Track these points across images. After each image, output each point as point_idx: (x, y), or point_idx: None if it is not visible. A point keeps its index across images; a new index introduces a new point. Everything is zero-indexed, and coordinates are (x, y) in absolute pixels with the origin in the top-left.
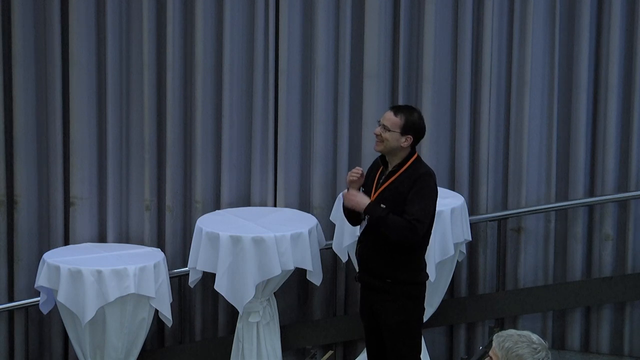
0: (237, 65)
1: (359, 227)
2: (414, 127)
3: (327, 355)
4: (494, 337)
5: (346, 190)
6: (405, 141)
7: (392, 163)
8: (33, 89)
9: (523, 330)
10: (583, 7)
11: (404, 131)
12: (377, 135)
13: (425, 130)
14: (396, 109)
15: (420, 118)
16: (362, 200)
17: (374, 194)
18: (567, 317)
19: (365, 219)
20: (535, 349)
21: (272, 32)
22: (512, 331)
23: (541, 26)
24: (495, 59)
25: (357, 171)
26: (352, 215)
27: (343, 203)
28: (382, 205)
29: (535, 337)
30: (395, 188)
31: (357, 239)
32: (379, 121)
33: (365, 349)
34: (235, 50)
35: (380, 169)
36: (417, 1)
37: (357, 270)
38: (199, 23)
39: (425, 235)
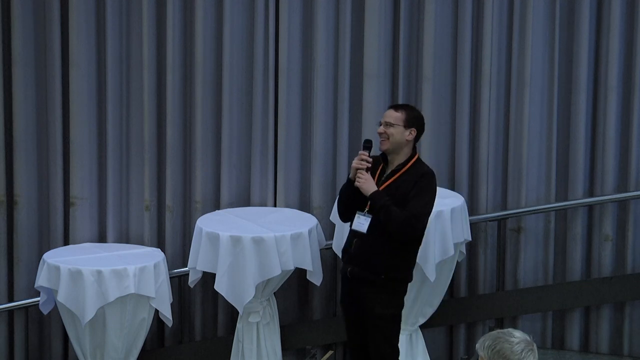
0: (237, 65)
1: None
2: (416, 120)
3: (327, 355)
4: (478, 342)
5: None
6: (410, 134)
7: (395, 162)
8: (33, 89)
9: (521, 330)
10: (583, 7)
11: (408, 124)
12: (381, 134)
13: (424, 124)
14: (396, 107)
15: (419, 112)
16: (371, 185)
17: None
18: (567, 317)
19: (359, 217)
20: (513, 342)
21: (272, 32)
22: (495, 331)
23: (541, 26)
24: (495, 59)
25: (368, 160)
26: (347, 207)
27: (350, 180)
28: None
29: (518, 332)
30: (397, 187)
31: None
32: (380, 122)
33: None
34: (235, 50)
35: (381, 166)
36: (417, 1)
37: (346, 262)
38: (199, 23)
39: (422, 232)
